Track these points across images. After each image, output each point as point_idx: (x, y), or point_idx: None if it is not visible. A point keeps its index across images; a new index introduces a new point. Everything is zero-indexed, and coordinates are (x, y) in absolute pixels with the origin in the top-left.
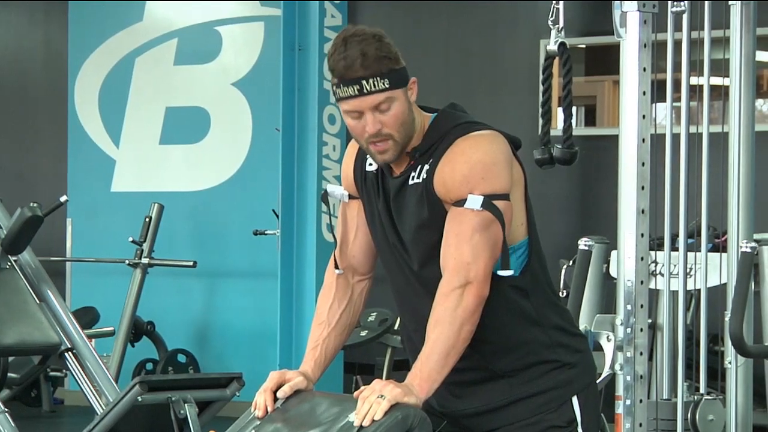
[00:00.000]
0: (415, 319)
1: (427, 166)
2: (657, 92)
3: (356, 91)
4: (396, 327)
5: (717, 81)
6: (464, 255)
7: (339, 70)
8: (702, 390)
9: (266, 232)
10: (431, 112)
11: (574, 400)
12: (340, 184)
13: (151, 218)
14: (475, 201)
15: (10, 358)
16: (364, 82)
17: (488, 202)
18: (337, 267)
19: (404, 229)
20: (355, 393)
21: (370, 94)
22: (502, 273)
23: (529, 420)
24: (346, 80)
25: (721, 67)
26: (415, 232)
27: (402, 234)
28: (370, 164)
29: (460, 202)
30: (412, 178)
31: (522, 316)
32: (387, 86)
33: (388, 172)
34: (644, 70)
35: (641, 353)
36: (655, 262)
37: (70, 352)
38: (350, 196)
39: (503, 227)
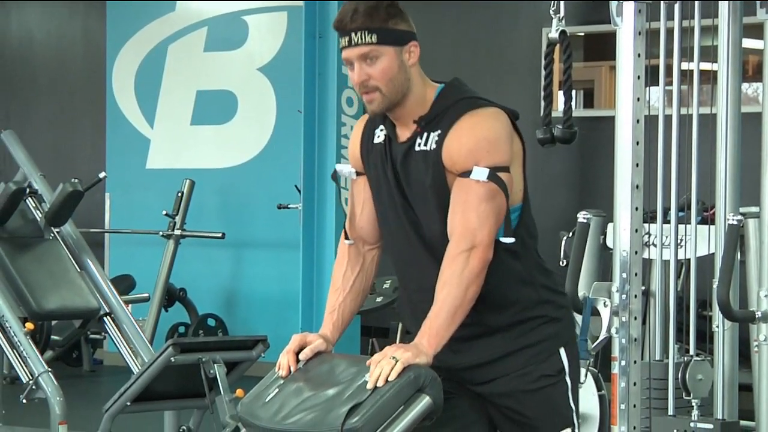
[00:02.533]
0: (417, 278)
1: (435, 136)
2: (650, 77)
3: (346, 43)
4: None
5: (706, 66)
6: (471, 221)
7: (336, 22)
8: (691, 352)
9: (289, 206)
10: (439, 84)
11: (562, 351)
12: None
13: (182, 193)
14: (480, 173)
15: (54, 322)
16: (352, 35)
17: (493, 174)
18: (347, 238)
19: (411, 191)
20: (368, 361)
21: (356, 46)
22: (504, 240)
23: (523, 371)
24: (341, 32)
25: (710, 54)
26: (421, 194)
27: (409, 196)
28: (378, 136)
29: (466, 173)
30: (419, 145)
31: (514, 276)
32: (373, 41)
33: (395, 138)
34: (639, 56)
35: (635, 318)
36: (648, 234)
37: (108, 317)
38: (357, 173)
39: (507, 197)
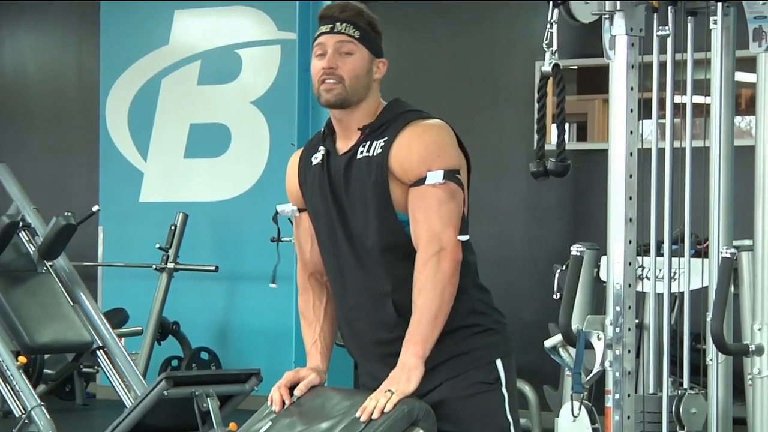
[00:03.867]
0: (353, 296)
1: (380, 143)
2: (643, 110)
3: (328, 29)
4: None
5: (699, 99)
6: (434, 225)
7: (324, 10)
8: (685, 385)
9: (283, 239)
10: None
11: (498, 362)
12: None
13: (176, 226)
14: (435, 176)
15: (46, 356)
16: (338, 23)
17: (450, 174)
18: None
19: (349, 199)
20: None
21: (339, 33)
22: (461, 238)
23: (458, 378)
24: (327, 19)
25: (702, 87)
26: (361, 198)
27: (346, 207)
28: (316, 158)
29: (420, 181)
30: (361, 153)
31: None
32: (356, 36)
33: (335, 152)
34: (631, 89)
35: (629, 351)
36: (642, 267)
37: (101, 350)
38: (299, 210)
39: (465, 195)
